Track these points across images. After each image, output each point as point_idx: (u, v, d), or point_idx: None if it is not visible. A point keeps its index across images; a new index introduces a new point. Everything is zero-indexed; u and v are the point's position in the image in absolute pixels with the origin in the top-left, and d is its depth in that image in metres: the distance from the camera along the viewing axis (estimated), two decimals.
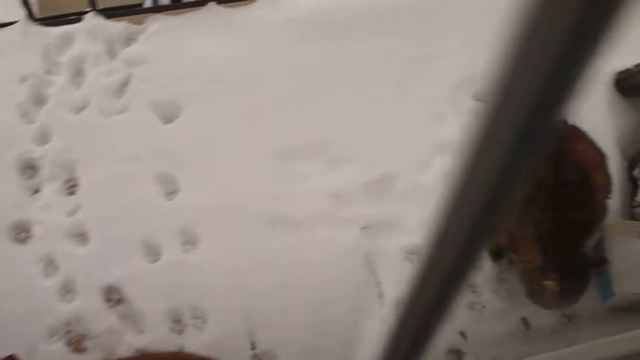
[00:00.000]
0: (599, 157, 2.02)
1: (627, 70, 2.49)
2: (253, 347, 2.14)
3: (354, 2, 2.68)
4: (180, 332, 2.14)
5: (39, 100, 2.54)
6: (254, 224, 2.25)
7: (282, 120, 2.42)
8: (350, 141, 2.40)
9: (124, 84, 2.55)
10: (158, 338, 2.12)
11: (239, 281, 2.17)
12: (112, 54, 2.65)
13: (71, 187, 2.37)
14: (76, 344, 2.13)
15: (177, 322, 2.15)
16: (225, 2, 2.72)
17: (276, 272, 2.19)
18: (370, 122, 2.43)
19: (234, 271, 2.18)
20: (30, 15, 2.69)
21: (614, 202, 2.38)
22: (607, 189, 2.03)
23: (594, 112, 2.54)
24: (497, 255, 2.25)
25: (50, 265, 2.23)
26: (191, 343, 2.12)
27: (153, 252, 2.24)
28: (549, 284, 1.77)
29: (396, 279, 2.23)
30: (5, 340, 2.05)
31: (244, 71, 2.51)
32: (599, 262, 1.93)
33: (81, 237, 2.27)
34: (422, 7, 2.68)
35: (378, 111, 2.45)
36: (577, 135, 2.08)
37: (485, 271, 2.27)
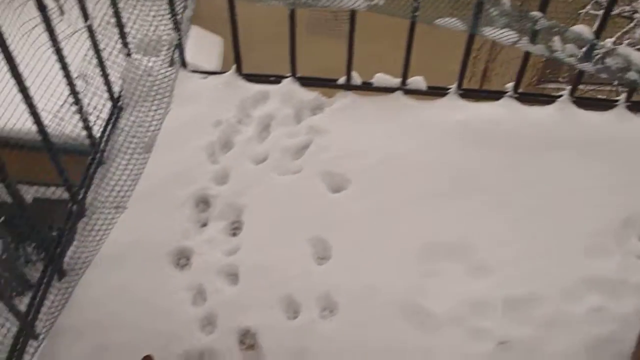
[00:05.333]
0: None
1: None
2: None
3: (530, 119, 2.76)
4: None
5: (226, 145, 2.83)
6: (390, 309, 2.31)
7: (434, 216, 2.51)
8: (497, 252, 2.41)
9: (303, 148, 2.77)
10: None
11: None
12: (298, 118, 2.90)
13: (235, 229, 2.59)
14: None
15: None
16: (412, 94, 2.89)
17: None
18: (521, 237, 2.44)
19: (361, 349, 2.24)
20: (239, 69, 3.01)
21: None
22: None
23: None
24: None
25: (199, 295, 2.41)
26: None
27: (292, 309, 2.36)
28: None
29: None
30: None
31: (407, 162, 2.66)
32: None
33: (233, 277, 2.44)
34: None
35: (530, 227, 2.47)
36: None
37: None
